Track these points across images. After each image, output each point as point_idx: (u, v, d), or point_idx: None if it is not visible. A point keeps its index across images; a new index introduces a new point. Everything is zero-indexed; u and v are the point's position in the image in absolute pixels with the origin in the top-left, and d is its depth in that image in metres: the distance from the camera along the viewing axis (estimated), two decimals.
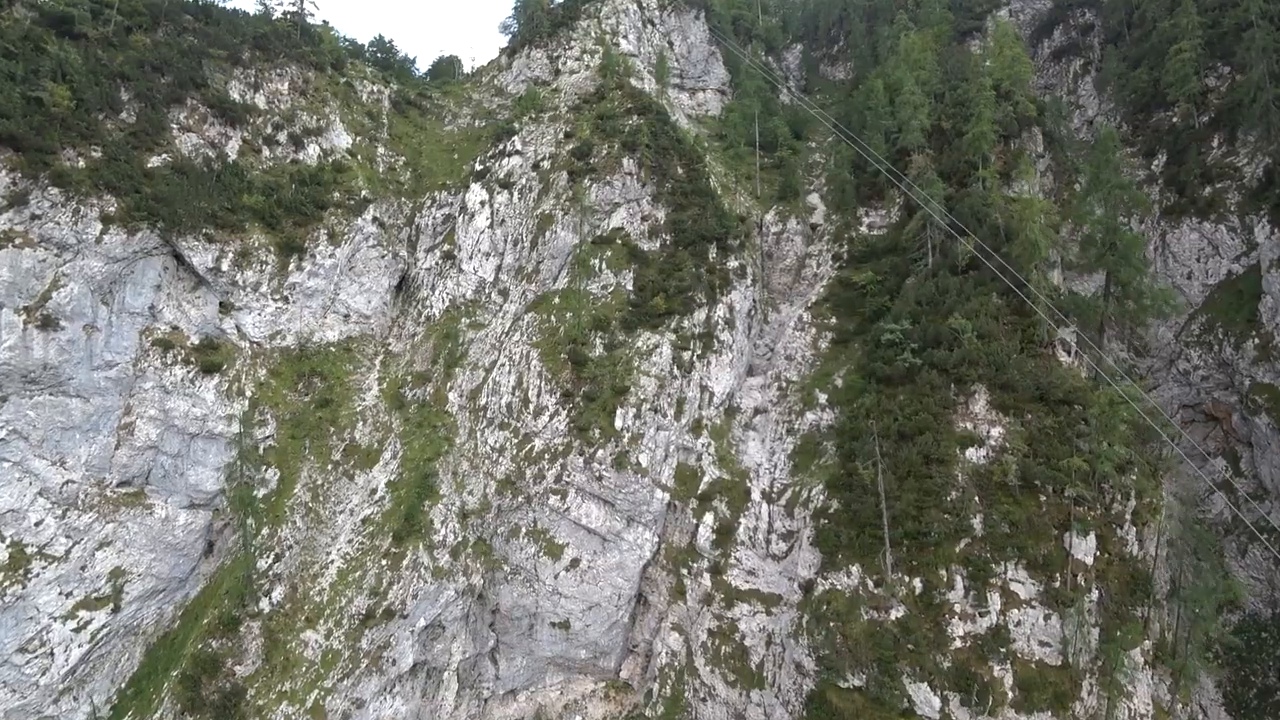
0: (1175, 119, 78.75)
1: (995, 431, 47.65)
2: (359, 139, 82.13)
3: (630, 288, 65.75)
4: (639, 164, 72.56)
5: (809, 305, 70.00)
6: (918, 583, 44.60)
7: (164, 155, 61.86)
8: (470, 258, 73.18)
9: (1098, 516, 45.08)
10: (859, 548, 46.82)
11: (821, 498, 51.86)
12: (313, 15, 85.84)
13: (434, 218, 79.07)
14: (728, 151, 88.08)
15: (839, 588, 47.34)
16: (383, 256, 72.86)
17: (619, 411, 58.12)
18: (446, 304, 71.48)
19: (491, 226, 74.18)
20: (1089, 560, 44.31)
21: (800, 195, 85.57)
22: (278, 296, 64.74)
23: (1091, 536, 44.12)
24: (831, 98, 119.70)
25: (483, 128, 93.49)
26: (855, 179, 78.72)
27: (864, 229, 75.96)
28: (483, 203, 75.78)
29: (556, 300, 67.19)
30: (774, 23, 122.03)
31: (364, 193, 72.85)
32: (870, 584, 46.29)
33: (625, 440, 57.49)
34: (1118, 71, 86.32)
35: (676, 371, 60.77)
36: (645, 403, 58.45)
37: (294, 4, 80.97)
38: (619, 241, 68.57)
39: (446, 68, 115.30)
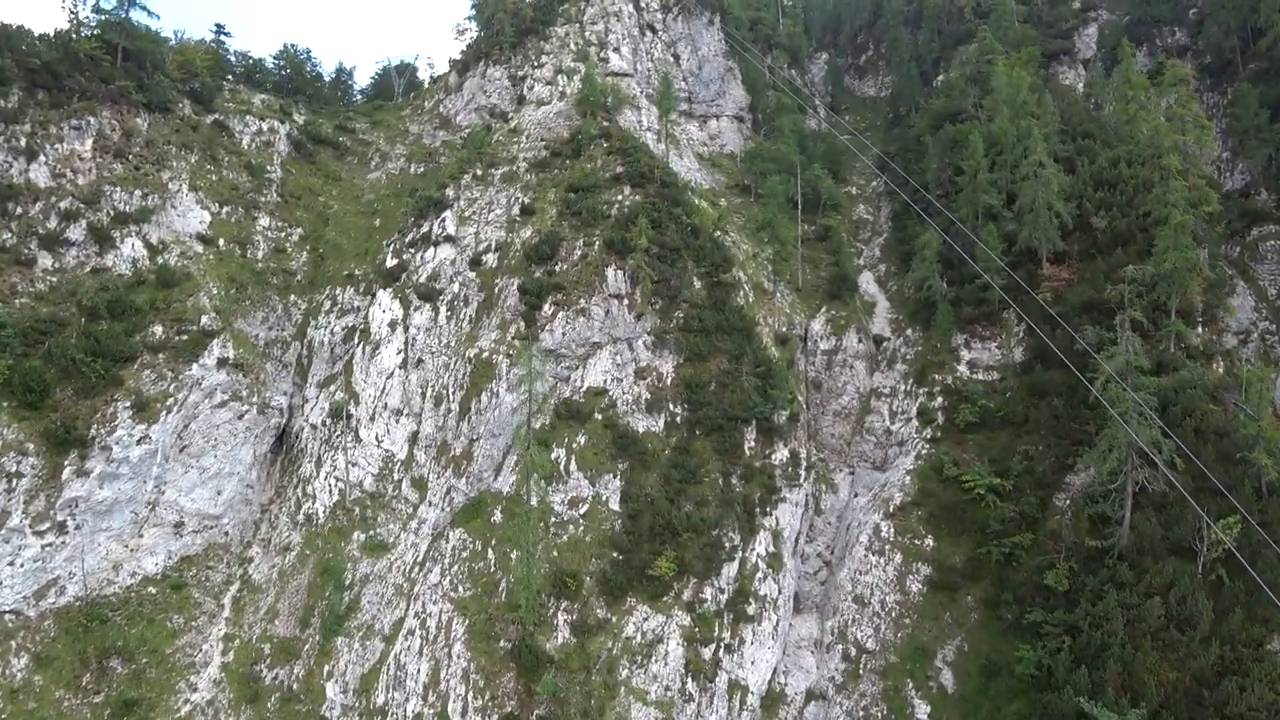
0: None
1: None
2: (227, 210, 53.53)
3: (616, 507, 38.87)
4: (632, 278, 44.73)
5: (889, 510, 43.46)
6: None
7: None
8: (372, 418, 45.81)
9: None
10: None
11: None
12: (156, 20, 55.67)
13: (332, 332, 51.29)
14: (759, 234, 59.59)
15: None
16: (240, 416, 45.39)
17: None
18: (336, 496, 44.52)
19: (405, 366, 46.56)
20: None
21: (857, 290, 58.23)
22: (45, 526, 37.61)
23: None
24: (863, 120, 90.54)
25: (419, 176, 64.66)
26: (949, 287, 51.16)
27: (964, 367, 49.03)
28: (393, 324, 47.94)
29: (497, 515, 40.32)
30: (797, 28, 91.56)
31: (205, 319, 44.71)
32: None
33: None
34: (1254, 122, 56.54)
35: (692, 686, 34.69)
36: None
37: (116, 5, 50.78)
38: (598, 416, 41.23)
39: (387, 85, 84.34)
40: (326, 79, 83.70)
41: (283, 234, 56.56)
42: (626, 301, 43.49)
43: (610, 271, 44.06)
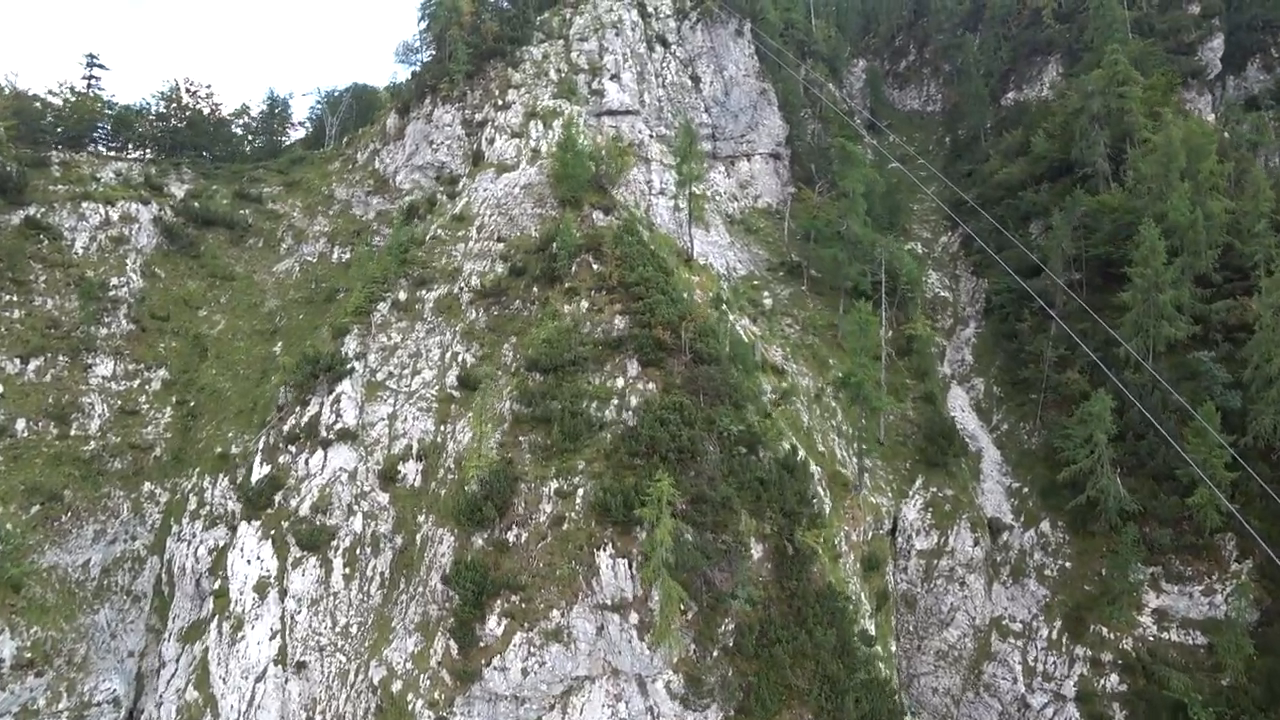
0: None
1: None
2: (38, 365, 34.79)
3: None
4: (642, 581, 25.03)
5: None
6: None
7: None
8: None
9: None
10: None
11: None
12: None
13: (196, 554, 33.07)
14: (815, 351, 40.28)
15: None
16: None
17: None
18: None
19: (283, 663, 28.32)
20: None
21: (965, 453, 39.31)
22: None
23: None
24: (912, 141, 70.05)
25: (341, 267, 45.25)
26: (1118, 477, 32.01)
27: (1149, 619, 30.95)
28: (263, 587, 29.05)
29: None
30: (833, 32, 69.95)
31: None
32: None
33: None
34: None
35: None
36: None
37: None
38: None
39: (317, 128, 62.25)
40: (255, 112, 62.52)
41: (135, 383, 37.83)
42: (635, 615, 24.49)
43: (604, 559, 24.91)
